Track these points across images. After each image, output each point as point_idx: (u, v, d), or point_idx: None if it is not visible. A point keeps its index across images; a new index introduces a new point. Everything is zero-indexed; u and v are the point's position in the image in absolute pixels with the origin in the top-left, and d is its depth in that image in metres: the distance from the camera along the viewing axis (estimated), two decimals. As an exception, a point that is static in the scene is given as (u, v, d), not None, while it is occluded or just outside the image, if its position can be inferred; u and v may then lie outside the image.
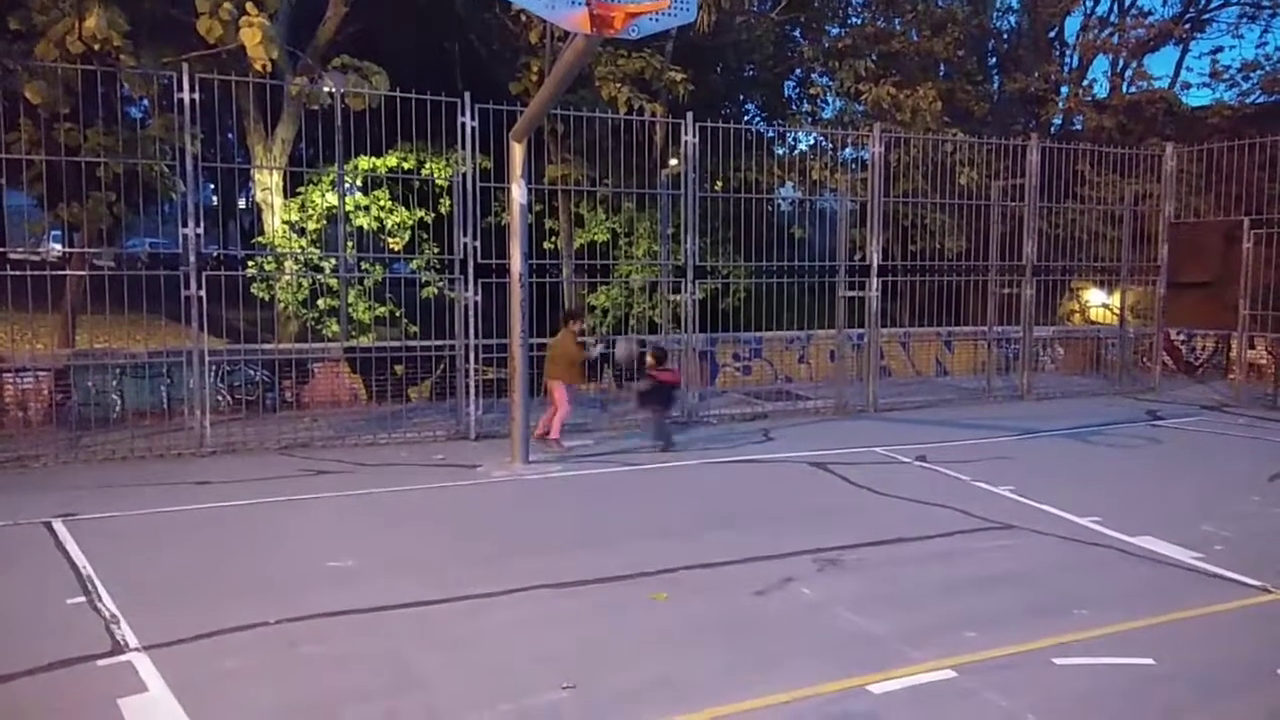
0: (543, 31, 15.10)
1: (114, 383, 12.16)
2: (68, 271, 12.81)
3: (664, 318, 13.95)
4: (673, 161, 17.08)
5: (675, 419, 12.74)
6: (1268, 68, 21.28)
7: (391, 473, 9.94)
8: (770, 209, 17.87)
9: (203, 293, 10.54)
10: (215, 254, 18.87)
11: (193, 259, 10.47)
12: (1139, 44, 22.18)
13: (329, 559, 6.96)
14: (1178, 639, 5.63)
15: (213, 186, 21.99)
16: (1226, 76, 21.77)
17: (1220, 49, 26.40)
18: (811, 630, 5.75)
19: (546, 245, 17.95)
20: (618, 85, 15.72)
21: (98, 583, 6.41)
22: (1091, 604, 6.12)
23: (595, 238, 17.80)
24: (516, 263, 10.19)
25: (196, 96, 10.40)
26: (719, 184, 17.74)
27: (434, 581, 6.47)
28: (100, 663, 5.19)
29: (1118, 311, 18.45)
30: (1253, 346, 17.02)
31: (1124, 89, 21.95)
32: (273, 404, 13.03)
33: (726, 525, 8.05)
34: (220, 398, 12.71)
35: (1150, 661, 5.27)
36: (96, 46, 10.26)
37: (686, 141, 12.80)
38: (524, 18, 15.17)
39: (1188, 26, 22.91)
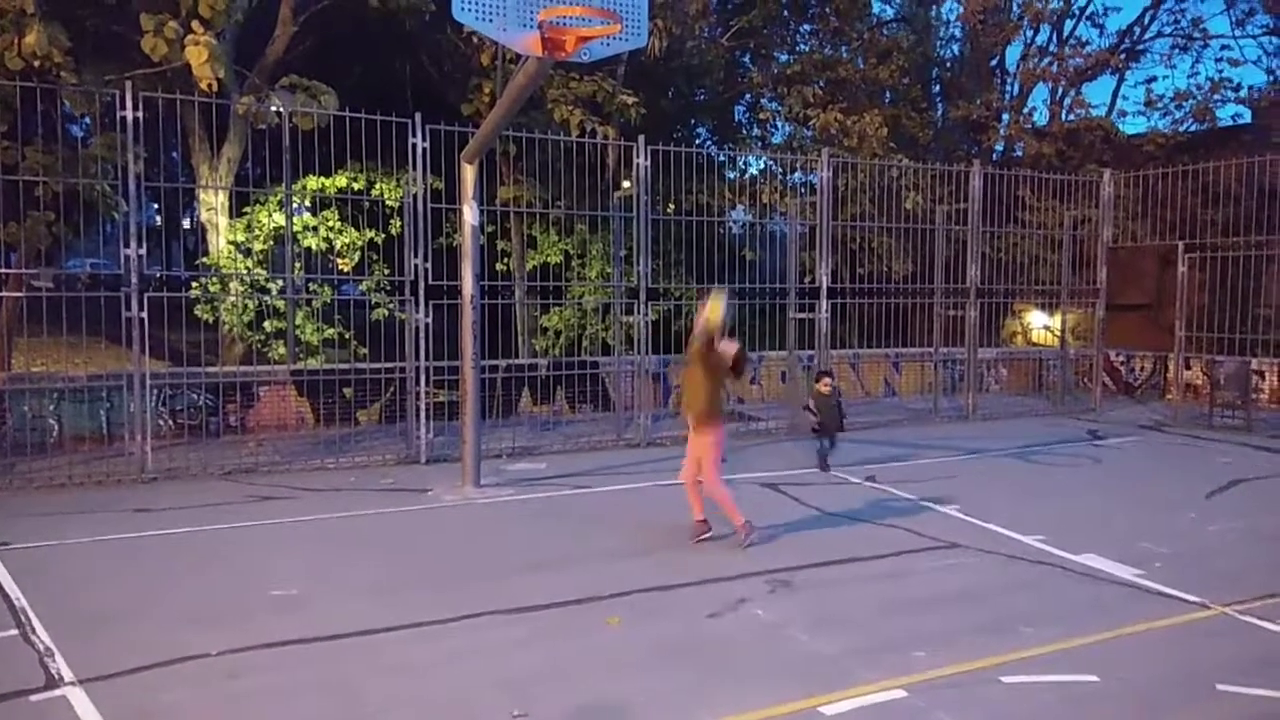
0: (494, 53, 15.13)
1: (51, 407, 11.82)
2: (3, 293, 12.44)
3: (617, 339, 13.97)
4: (625, 184, 17.17)
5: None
6: (1199, 97, 22.06)
7: (339, 498, 9.78)
8: (721, 232, 18.03)
9: (144, 314, 10.29)
10: (158, 275, 18.52)
11: (134, 280, 10.22)
12: (1077, 73, 22.86)
13: (274, 587, 6.82)
14: (1120, 655, 5.74)
15: (156, 206, 21.54)
16: (1160, 106, 22.57)
17: (1154, 79, 27.16)
18: (764, 651, 5.76)
19: (499, 267, 17.90)
20: (570, 108, 15.79)
21: (31, 614, 6.20)
22: (1037, 622, 6.22)
23: (548, 259, 17.79)
24: (468, 284, 10.14)
25: (140, 115, 10.22)
26: (671, 207, 17.86)
27: (383, 608, 6.37)
28: (33, 698, 5.02)
29: (1059, 333, 18.90)
30: (1188, 368, 17.53)
31: (1063, 117, 22.55)
32: (216, 429, 12.75)
33: (679, 546, 8.05)
34: (162, 422, 12.40)
35: (1094, 678, 5.37)
36: (36, 63, 10.02)
37: (638, 164, 12.87)
38: (476, 39, 15.18)
39: (1123, 57, 23.67)
